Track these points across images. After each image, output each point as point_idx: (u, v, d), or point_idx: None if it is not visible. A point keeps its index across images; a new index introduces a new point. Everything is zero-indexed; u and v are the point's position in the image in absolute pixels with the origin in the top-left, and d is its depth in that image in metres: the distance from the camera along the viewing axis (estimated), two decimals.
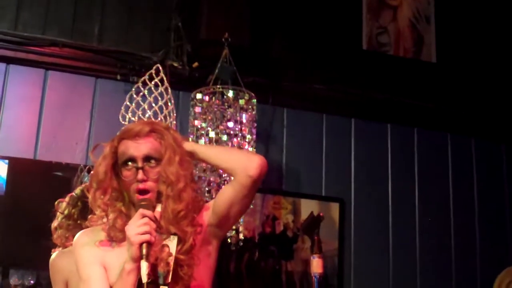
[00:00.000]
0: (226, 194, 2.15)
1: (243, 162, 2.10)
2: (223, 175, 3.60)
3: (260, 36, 4.26)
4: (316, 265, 2.96)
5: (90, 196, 2.15)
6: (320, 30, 4.63)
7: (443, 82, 4.85)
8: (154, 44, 4.12)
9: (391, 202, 4.56)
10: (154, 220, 2.00)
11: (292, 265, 4.15)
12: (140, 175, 2.08)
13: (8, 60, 3.85)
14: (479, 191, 4.81)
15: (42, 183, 3.81)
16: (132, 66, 3.99)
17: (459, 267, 4.54)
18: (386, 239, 4.48)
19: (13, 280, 3.71)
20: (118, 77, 3.98)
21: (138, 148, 2.11)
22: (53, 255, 3.11)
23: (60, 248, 3.09)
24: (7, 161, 3.75)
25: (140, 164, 2.09)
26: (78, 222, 3.03)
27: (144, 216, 1.98)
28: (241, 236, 3.81)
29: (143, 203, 2.04)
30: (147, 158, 2.10)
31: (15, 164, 3.77)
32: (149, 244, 1.95)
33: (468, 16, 5.02)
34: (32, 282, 3.73)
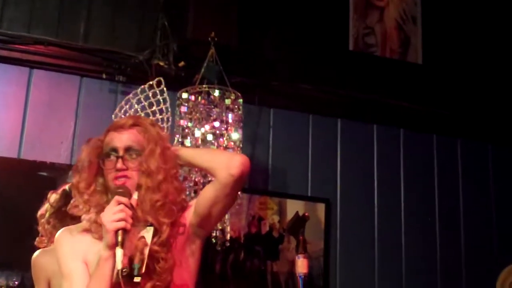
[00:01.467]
0: (208, 194, 2.14)
1: (224, 161, 2.10)
2: (208, 176, 3.58)
3: (247, 36, 4.25)
4: (301, 265, 2.96)
5: (73, 184, 2.15)
6: (307, 30, 4.63)
7: (429, 83, 4.86)
8: (140, 43, 4.10)
9: (377, 203, 4.56)
10: (130, 207, 2.00)
11: (277, 266, 4.15)
12: (119, 164, 2.10)
13: None
14: (465, 191, 4.82)
15: (26, 182, 3.78)
16: (118, 65, 3.97)
17: (444, 269, 4.56)
18: (372, 240, 4.48)
19: None
20: (104, 76, 3.97)
21: (120, 139, 2.14)
22: (35, 254, 3.10)
23: (44, 240, 3.07)
24: None
25: (120, 153, 2.11)
26: (64, 220, 3.01)
27: (119, 203, 1.98)
28: (227, 236, 3.80)
29: (119, 190, 2.04)
30: (128, 149, 2.12)
31: None
32: (125, 231, 1.95)
33: (454, 17, 5.04)
34: (16, 283, 3.70)
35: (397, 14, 4.95)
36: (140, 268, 1.99)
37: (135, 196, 2.07)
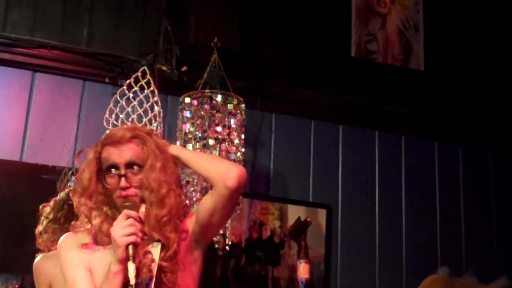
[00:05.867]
0: (207, 204, 2.13)
1: (221, 172, 2.08)
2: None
3: (249, 41, 4.27)
4: (303, 270, 2.94)
5: (75, 202, 2.13)
6: (310, 36, 4.64)
7: (431, 89, 4.87)
8: (143, 47, 4.10)
9: (378, 209, 4.56)
10: (139, 220, 1.99)
11: (278, 271, 4.14)
12: (123, 182, 2.07)
13: None
14: (466, 198, 4.82)
15: (28, 185, 3.78)
16: (120, 69, 3.98)
17: None
18: (373, 246, 4.48)
19: None
20: (107, 80, 3.97)
21: (120, 155, 2.10)
22: (37, 259, 3.09)
23: (44, 252, 3.07)
24: None
25: (122, 171, 2.08)
26: (65, 226, 3.01)
27: (128, 217, 1.97)
28: (228, 241, 3.80)
29: (127, 203, 2.03)
30: (129, 165, 2.09)
31: (0, 166, 3.73)
32: (135, 245, 1.94)
33: (456, 24, 5.04)
34: (16, 286, 3.70)
35: (399, 21, 4.96)
36: (148, 284, 1.98)
37: (142, 209, 2.06)
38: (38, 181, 3.80)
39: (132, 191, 2.07)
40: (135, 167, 2.09)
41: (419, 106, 4.77)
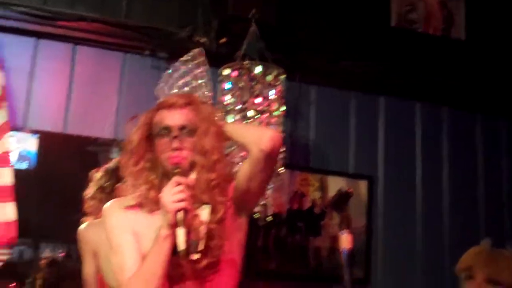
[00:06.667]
0: (244, 170, 2.14)
1: (256, 136, 2.09)
2: None
3: (287, 12, 4.23)
4: (345, 241, 2.93)
5: (122, 164, 2.16)
6: (349, 6, 4.58)
7: (473, 60, 4.78)
8: (181, 19, 4.10)
9: (419, 180, 4.53)
10: (189, 187, 2.00)
11: (319, 241, 4.15)
12: (175, 143, 2.08)
13: (38, 35, 3.86)
14: (508, 169, 4.76)
15: (72, 157, 3.83)
16: (160, 41, 3.98)
17: None
18: (414, 217, 4.46)
19: (44, 253, 3.76)
20: (146, 52, 3.98)
21: (173, 117, 2.11)
22: (82, 226, 3.15)
23: (91, 219, 3.12)
24: (37, 135, 3.78)
25: (175, 133, 2.09)
26: (111, 195, 3.05)
27: (179, 183, 1.98)
28: (269, 212, 3.81)
29: (177, 170, 2.05)
30: (182, 128, 2.10)
31: (45, 138, 3.79)
32: (185, 211, 1.95)
33: None
34: (62, 255, 3.78)
35: None
36: (197, 246, 2.00)
37: (192, 176, 2.08)
38: (81, 152, 3.86)
39: (183, 153, 2.09)
40: (187, 132, 2.11)
41: (461, 76, 4.69)
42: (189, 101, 2.16)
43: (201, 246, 2.02)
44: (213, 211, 2.07)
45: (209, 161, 2.08)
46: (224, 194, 2.11)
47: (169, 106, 2.13)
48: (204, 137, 2.09)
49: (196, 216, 2.05)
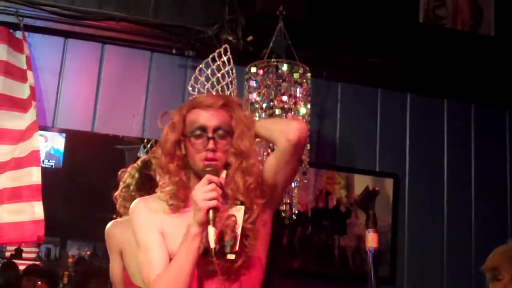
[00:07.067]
0: (270, 163, 2.19)
1: (282, 128, 2.14)
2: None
3: (315, 9, 4.21)
4: (371, 240, 2.93)
5: (157, 162, 2.18)
6: (376, 2, 4.55)
7: (502, 56, 4.72)
8: (208, 17, 4.10)
9: (446, 179, 4.49)
10: (220, 186, 2.02)
11: (345, 240, 4.15)
12: (211, 144, 2.11)
13: (66, 34, 3.90)
14: None
15: (99, 155, 3.88)
16: (187, 40, 4.00)
17: None
18: (441, 216, 4.43)
19: (71, 251, 3.82)
20: (174, 51, 4.00)
21: (209, 118, 2.14)
22: (109, 225, 3.19)
23: (119, 218, 3.16)
24: (64, 134, 3.83)
25: (211, 134, 2.12)
26: (133, 194, 3.08)
27: (211, 182, 2.00)
28: (294, 210, 3.81)
29: (208, 168, 2.06)
30: (217, 129, 2.13)
31: (72, 137, 3.84)
32: (216, 209, 1.97)
33: None
34: (88, 253, 3.83)
35: None
36: (233, 246, 2.03)
37: (223, 174, 2.10)
38: (109, 151, 3.90)
39: (218, 155, 2.11)
40: (223, 133, 2.14)
41: (490, 73, 4.64)
42: (225, 103, 2.19)
43: (236, 247, 2.04)
44: (248, 212, 2.09)
45: (247, 163, 2.12)
46: (262, 196, 2.15)
47: (207, 106, 2.16)
48: (242, 140, 2.13)
49: (231, 216, 2.07)
